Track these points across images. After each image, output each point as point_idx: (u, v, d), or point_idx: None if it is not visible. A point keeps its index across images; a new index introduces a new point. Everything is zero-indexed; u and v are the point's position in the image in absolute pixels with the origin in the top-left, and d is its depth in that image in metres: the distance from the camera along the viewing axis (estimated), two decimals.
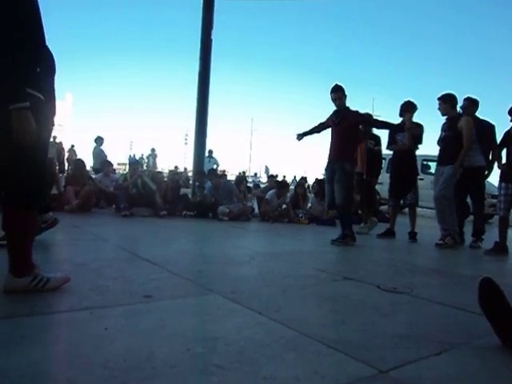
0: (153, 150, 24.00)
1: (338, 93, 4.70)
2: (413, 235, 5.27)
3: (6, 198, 1.98)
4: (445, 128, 5.02)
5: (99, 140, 11.16)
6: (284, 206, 7.22)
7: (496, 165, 4.88)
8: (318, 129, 5.00)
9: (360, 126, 5.05)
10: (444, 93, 5.05)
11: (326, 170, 4.85)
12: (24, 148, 1.87)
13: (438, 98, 5.06)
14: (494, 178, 5.22)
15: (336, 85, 4.74)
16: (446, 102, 4.97)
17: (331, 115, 4.82)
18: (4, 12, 1.79)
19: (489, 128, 5.14)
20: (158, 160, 23.07)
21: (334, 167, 4.64)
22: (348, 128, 4.63)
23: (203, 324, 1.81)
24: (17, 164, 1.93)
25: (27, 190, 1.99)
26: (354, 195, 5.42)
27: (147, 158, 22.81)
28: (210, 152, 13.30)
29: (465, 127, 4.77)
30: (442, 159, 5.01)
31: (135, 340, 1.54)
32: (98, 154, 10.70)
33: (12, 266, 1.99)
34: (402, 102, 5.51)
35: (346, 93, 4.72)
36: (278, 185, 7.77)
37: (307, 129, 5.05)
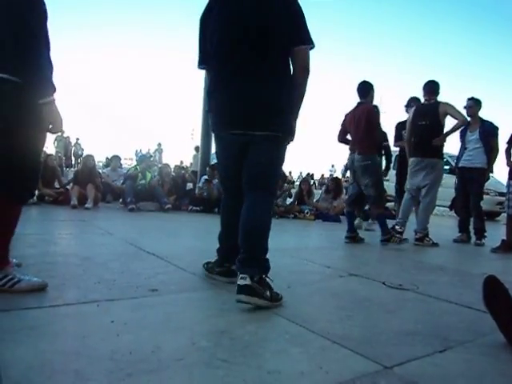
0: (159, 144, 24.07)
1: None
2: None
3: None
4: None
5: (198, 149, 12.59)
6: (289, 201, 7.19)
7: (506, 163, 4.83)
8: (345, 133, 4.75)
9: None
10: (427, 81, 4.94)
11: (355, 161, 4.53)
12: (23, 141, 1.87)
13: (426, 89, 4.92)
14: (502, 176, 5.19)
15: None
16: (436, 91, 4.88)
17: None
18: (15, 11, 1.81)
19: (491, 130, 5.13)
20: (164, 154, 23.21)
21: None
22: None
23: (208, 318, 1.82)
24: (15, 156, 1.88)
25: (21, 182, 1.93)
26: None
27: (154, 152, 22.96)
28: None
29: (449, 109, 4.65)
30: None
31: (141, 333, 1.55)
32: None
33: None
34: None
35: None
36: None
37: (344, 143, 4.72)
